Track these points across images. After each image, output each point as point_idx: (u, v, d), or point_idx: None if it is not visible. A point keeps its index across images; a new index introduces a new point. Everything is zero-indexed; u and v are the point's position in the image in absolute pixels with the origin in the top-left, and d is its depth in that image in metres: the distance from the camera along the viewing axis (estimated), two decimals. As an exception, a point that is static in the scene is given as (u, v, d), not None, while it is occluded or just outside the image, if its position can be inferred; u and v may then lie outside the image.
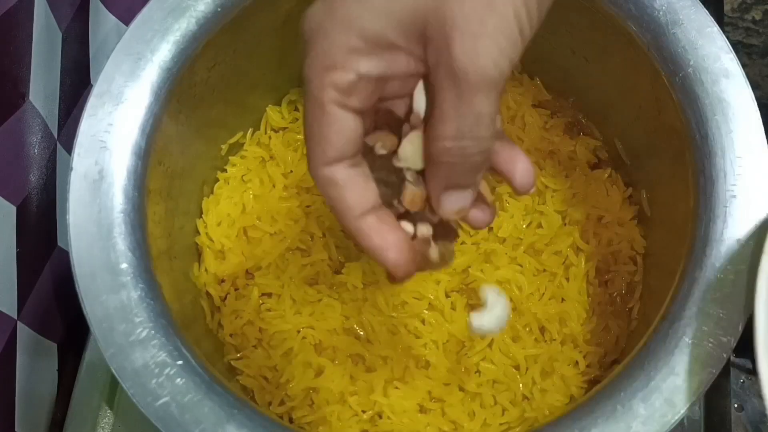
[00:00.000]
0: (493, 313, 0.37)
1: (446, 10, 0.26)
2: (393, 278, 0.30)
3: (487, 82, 0.26)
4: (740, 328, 0.38)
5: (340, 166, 0.28)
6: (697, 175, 0.41)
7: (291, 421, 0.47)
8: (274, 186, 0.52)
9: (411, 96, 0.29)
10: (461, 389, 0.47)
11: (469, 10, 0.26)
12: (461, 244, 0.51)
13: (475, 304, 0.47)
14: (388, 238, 0.29)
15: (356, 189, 0.28)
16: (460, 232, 0.51)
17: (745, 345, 0.39)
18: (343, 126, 0.27)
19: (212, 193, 0.53)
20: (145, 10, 0.43)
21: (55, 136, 0.50)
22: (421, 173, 0.30)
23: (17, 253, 0.46)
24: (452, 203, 0.30)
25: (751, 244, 0.39)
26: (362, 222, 0.29)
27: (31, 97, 0.46)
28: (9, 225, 0.45)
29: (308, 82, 0.27)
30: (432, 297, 0.49)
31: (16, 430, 0.47)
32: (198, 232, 0.51)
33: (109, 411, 0.49)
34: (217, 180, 0.53)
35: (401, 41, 0.27)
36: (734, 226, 0.39)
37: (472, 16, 0.26)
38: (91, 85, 0.52)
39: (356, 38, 0.26)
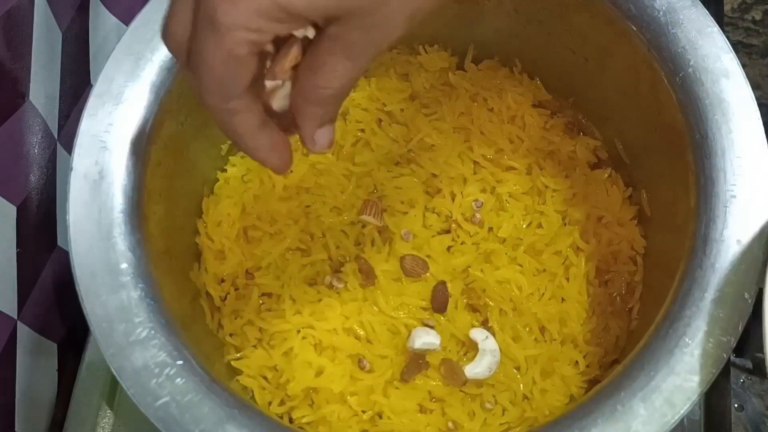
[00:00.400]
0: (483, 362, 0.47)
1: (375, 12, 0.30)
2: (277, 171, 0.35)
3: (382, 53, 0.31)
4: (740, 328, 0.38)
5: (242, 99, 0.31)
6: (697, 175, 0.41)
7: (291, 421, 0.47)
8: (274, 186, 0.52)
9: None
10: (461, 389, 0.47)
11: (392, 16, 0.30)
12: (461, 244, 0.51)
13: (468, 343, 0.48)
14: (277, 149, 0.34)
15: (254, 113, 0.32)
16: (460, 232, 0.51)
17: (745, 345, 0.39)
18: (252, 69, 0.30)
19: (212, 193, 0.53)
20: (145, 10, 0.43)
21: (55, 136, 0.50)
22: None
23: (17, 253, 0.46)
24: (326, 137, 0.34)
25: (754, 244, 0.39)
26: (257, 140, 0.33)
27: (31, 97, 0.46)
28: (9, 225, 0.45)
29: (223, 34, 0.29)
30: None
31: (16, 430, 0.47)
32: (198, 232, 0.51)
33: (109, 411, 0.49)
34: (217, 180, 0.53)
35: (319, 18, 0.30)
36: (734, 226, 0.39)
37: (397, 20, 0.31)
38: (91, 85, 0.52)
39: (283, 12, 0.29)
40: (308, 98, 0.32)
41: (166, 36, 0.32)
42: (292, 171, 0.51)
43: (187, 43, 0.31)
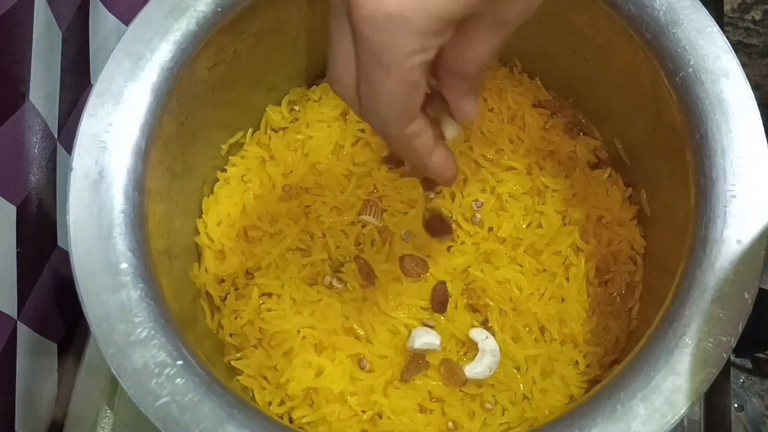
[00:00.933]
0: (483, 362, 0.47)
1: None
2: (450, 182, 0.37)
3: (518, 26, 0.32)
4: (740, 328, 0.38)
5: (418, 120, 0.33)
6: (697, 175, 0.41)
7: (291, 421, 0.47)
8: (274, 186, 0.52)
9: None
10: (461, 389, 0.47)
11: None
12: (461, 244, 0.51)
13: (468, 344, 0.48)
14: (450, 163, 0.36)
15: (430, 133, 0.34)
16: (460, 232, 0.51)
17: (745, 345, 0.39)
18: (423, 90, 0.31)
19: (212, 193, 0.53)
20: (145, 10, 0.43)
21: (55, 136, 0.50)
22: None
23: (17, 253, 0.46)
24: (472, 106, 0.35)
25: (754, 244, 0.39)
26: (434, 156, 0.35)
27: (31, 97, 0.46)
28: (9, 225, 0.45)
29: (392, 65, 0.29)
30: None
31: (16, 430, 0.47)
32: (198, 232, 0.51)
33: (109, 411, 0.49)
34: (217, 180, 0.53)
35: (468, 13, 0.30)
36: (734, 226, 0.39)
37: None
38: (91, 85, 0.52)
39: (441, 23, 0.29)
40: (456, 71, 0.33)
41: (336, 85, 0.33)
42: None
43: (356, 88, 0.32)
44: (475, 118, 0.35)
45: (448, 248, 0.51)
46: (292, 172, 0.53)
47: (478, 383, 0.47)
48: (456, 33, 0.31)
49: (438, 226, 0.51)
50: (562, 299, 0.50)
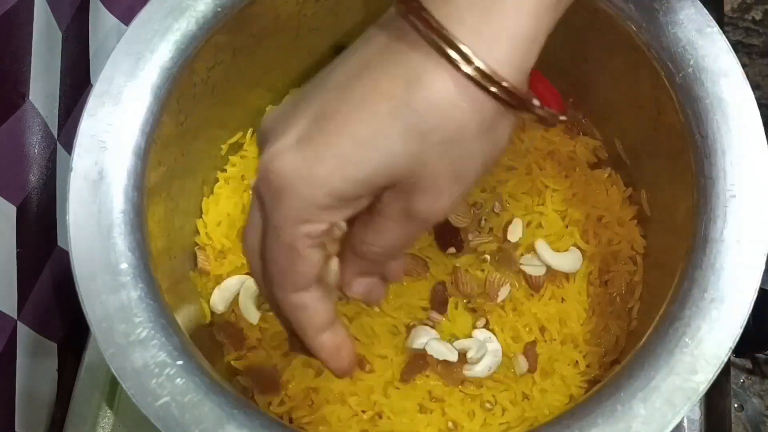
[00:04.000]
0: (484, 362, 0.47)
1: (417, 177, 0.29)
2: (339, 375, 0.34)
3: (430, 225, 0.31)
4: (740, 328, 0.38)
5: (309, 292, 0.31)
6: (697, 175, 0.41)
7: (291, 421, 0.47)
8: (274, 186, 0.52)
9: None
10: (461, 389, 0.47)
11: (435, 178, 0.29)
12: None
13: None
14: (341, 352, 0.33)
15: (320, 310, 0.32)
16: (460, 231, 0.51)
17: (745, 345, 0.39)
18: (314, 261, 0.30)
19: (212, 193, 0.53)
20: (145, 10, 0.43)
21: (55, 136, 0.50)
22: None
23: (17, 253, 0.46)
24: (363, 286, 0.34)
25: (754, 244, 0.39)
26: (322, 338, 0.32)
27: (31, 97, 0.46)
28: (9, 225, 0.45)
29: (278, 229, 0.29)
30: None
31: (16, 430, 0.47)
32: (198, 232, 0.51)
33: (109, 411, 0.49)
34: (217, 180, 0.53)
35: (369, 195, 0.30)
36: (734, 226, 0.39)
37: (440, 183, 0.29)
38: (91, 85, 0.52)
39: (329, 198, 0.28)
40: (356, 249, 0.32)
41: (243, 245, 0.32)
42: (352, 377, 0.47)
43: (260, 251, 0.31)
44: (366, 299, 0.35)
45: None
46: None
47: (478, 383, 0.47)
48: (368, 212, 0.30)
49: (449, 237, 0.51)
50: (562, 299, 0.50)
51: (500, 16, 0.27)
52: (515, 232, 0.51)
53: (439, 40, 0.27)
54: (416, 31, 0.28)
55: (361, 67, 0.29)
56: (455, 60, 0.27)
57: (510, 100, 0.28)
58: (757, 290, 0.38)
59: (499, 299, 0.49)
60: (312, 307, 0.31)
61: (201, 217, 0.52)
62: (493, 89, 0.28)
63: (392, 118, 0.28)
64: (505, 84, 0.28)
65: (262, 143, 0.31)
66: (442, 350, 0.46)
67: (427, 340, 0.47)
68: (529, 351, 0.48)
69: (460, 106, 0.28)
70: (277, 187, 0.29)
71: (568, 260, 0.50)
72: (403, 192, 0.29)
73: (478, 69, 0.27)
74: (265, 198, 0.29)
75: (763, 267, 0.38)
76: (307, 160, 0.28)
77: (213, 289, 0.50)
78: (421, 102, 0.27)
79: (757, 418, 0.50)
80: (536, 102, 0.30)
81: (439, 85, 0.27)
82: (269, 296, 0.32)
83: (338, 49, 0.54)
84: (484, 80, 0.27)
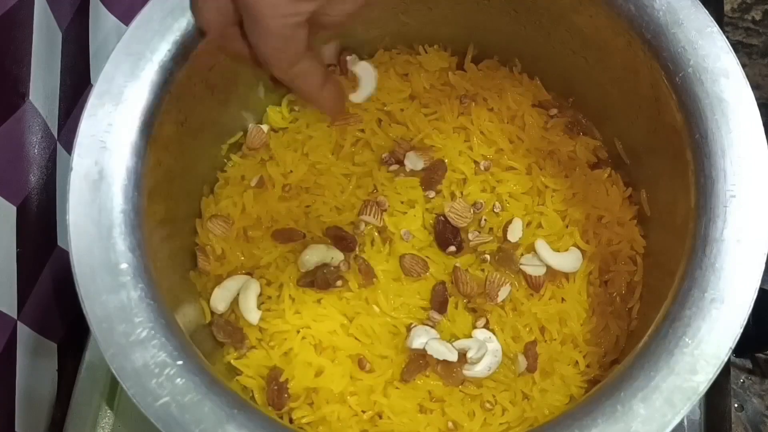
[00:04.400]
0: (484, 362, 0.47)
1: None
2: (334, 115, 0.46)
3: None
4: (740, 328, 0.38)
5: (303, 60, 0.37)
6: (697, 175, 0.41)
7: (291, 421, 0.47)
8: (274, 186, 0.52)
9: None
10: (461, 389, 0.47)
11: None
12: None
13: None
14: (341, 98, 0.42)
15: (317, 71, 0.39)
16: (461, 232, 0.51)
17: (745, 345, 0.39)
18: (303, 37, 0.36)
19: (212, 193, 0.53)
20: (145, 10, 0.43)
21: (55, 136, 0.50)
22: None
23: (17, 253, 0.46)
24: (331, 50, 0.45)
25: (754, 244, 0.39)
26: (324, 93, 0.39)
27: (31, 97, 0.46)
28: (9, 225, 0.45)
29: (267, 19, 0.35)
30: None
31: (16, 430, 0.47)
32: (198, 232, 0.51)
33: (109, 411, 0.50)
34: (217, 180, 0.53)
35: None
36: (734, 226, 0.39)
37: None
38: (91, 85, 0.52)
39: None
40: (323, 23, 0.37)
41: (203, 22, 0.39)
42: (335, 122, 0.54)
43: (230, 28, 0.37)
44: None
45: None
46: (291, 171, 0.53)
47: (478, 383, 0.47)
48: None
49: (449, 237, 0.51)
50: (562, 299, 0.50)
51: None
52: (515, 232, 0.51)
53: None
54: None
55: None
56: None
57: None
58: (757, 290, 0.38)
59: (499, 299, 0.49)
60: (310, 72, 0.38)
61: (201, 217, 0.52)
62: None
63: None
64: None
65: None
66: (441, 350, 0.46)
67: (426, 340, 0.47)
68: (529, 351, 0.48)
69: None
70: None
71: (568, 260, 0.50)
72: None
73: None
74: (252, 4, 0.34)
75: (763, 267, 0.38)
76: None
77: (213, 289, 0.50)
78: None
79: (757, 418, 0.50)
80: None
81: None
82: (269, 72, 0.38)
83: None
84: None
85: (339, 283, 0.49)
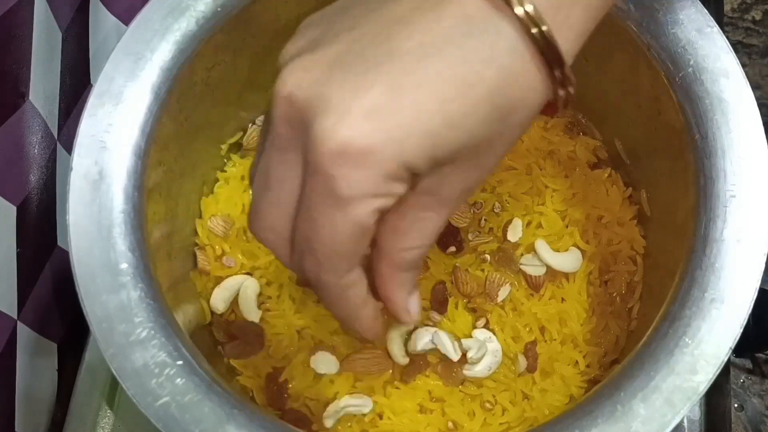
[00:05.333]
0: (484, 362, 0.47)
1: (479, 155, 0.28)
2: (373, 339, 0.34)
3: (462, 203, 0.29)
4: (740, 328, 0.38)
5: (357, 268, 0.29)
6: (697, 175, 0.41)
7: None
8: (274, 186, 0.52)
9: None
10: (461, 389, 0.47)
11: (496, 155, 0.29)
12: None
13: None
14: (378, 321, 0.32)
15: (364, 284, 0.30)
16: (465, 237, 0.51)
17: (745, 345, 0.39)
18: (369, 240, 0.28)
19: (212, 193, 0.53)
20: (145, 10, 0.43)
21: (55, 136, 0.50)
22: None
23: (17, 253, 0.46)
24: (418, 303, 0.33)
25: (754, 244, 0.39)
26: (364, 312, 0.31)
27: (31, 97, 0.46)
28: (9, 225, 0.45)
29: (345, 201, 0.26)
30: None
31: (16, 430, 0.47)
32: (198, 233, 0.51)
33: (109, 411, 0.49)
34: (217, 180, 0.53)
35: (424, 170, 0.27)
36: (734, 226, 0.39)
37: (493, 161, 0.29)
38: (91, 85, 0.52)
39: (401, 168, 0.26)
40: (398, 263, 0.30)
41: (265, 231, 0.29)
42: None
43: (291, 233, 0.28)
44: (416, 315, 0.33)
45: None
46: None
47: (478, 383, 0.47)
48: (395, 217, 0.29)
49: (449, 237, 0.50)
50: (562, 299, 0.50)
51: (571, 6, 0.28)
52: (515, 232, 0.51)
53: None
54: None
55: (443, 42, 0.26)
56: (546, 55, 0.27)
57: (564, 80, 0.28)
58: (757, 290, 0.38)
59: (499, 299, 0.49)
60: (360, 283, 0.30)
61: (201, 217, 0.52)
62: (557, 73, 0.28)
63: (484, 100, 0.26)
64: (566, 70, 0.28)
65: (317, 105, 0.26)
66: (448, 345, 0.46)
67: (427, 340, 0.47)
68: (529, 351, 0.48)
69: (538, 89, 0.28)
70: (358, 159, 0.25)
71: (568, 260, 0.50)
72: (462, 170, 0.27)
73: (557, 55, 0.27)
74: (334, 172, 0.25)
75: (763, 267, 0.38)
76: (388, 124, 0.25)
77: (213, 289, 0.50)
78: (510, 87, 0.27)
79: (757, 418, 0.50)
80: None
81: (531, 76, 0.27)
82: (313, 279, 0.29)
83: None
84: (555, 64, 0.27)
85: (339, 283, 0.49)
